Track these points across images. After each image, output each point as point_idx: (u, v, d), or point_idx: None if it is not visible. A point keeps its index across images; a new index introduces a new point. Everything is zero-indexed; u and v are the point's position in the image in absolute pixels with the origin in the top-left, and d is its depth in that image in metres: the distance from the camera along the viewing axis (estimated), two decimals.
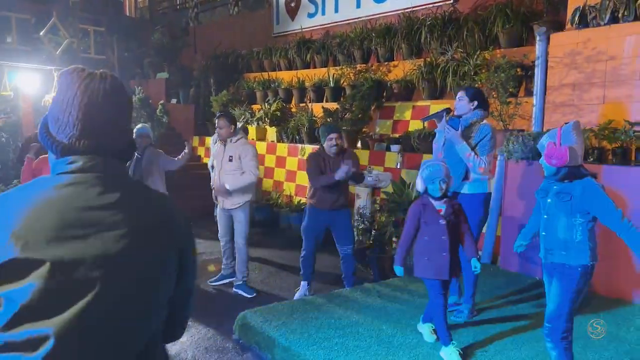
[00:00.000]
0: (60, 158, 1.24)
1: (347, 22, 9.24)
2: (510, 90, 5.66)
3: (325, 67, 9.02)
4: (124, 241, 1.20)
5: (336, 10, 9.60)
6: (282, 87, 9.36)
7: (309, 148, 7.88)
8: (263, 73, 10.14)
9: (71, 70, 1.28)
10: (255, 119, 8.98)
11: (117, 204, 1.22)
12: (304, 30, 9.98)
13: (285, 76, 9.60)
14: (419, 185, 3.43)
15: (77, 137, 1.24)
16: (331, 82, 8.52)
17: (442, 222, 3.31)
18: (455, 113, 4.08)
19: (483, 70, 6.14)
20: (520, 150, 5.04)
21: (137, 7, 15.29)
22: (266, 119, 8.85)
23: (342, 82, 8.41)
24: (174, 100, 11.09)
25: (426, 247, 3.35)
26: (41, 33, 9.56)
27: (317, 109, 8.33)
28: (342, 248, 4.93)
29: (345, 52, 8.75)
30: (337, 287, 4.94)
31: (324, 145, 4.91)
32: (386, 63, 8.13)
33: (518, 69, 5.90)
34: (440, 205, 3.35)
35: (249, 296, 5.08)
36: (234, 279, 5.33)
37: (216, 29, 12.23)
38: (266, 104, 9.09)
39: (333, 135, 4.79)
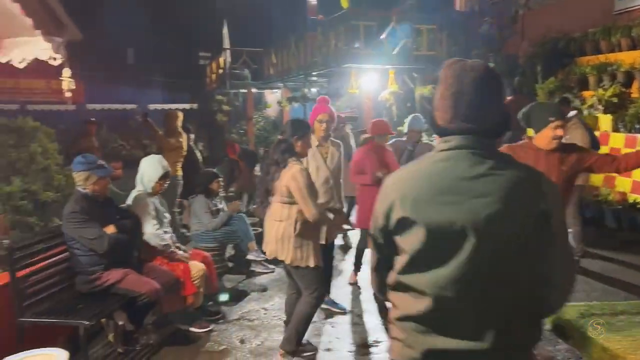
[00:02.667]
0: (441, 139, 1.50)
1: None
2: None
3: None
4: (493, 207, 1.36)
5: None
6: (622, 69, 8.29)
7: None
8: (599, 56, 9.16)
9: (446, 64, 1.50)
10: (586, 106, 8.25)
11: (486, 175, 1.39)
12: None
13: (627, 57, 8.44)
14: None
15: (450, 120, 1.46)
16: None
17: None
18: None
19: None
20: None
21: (467, 0, 15.64)
22: (599, 106, 8.03)
23: None
24: None
25: None
26: (382, 36, 10.87)
27: None
28: None
29: None
30: None
31: (537, 133, 3.33)
32: None
33: None
34: None
35: None
36: None
37: (546, 13, 11.59)
38: (601, 89, 8.23)
39: (559, 123, 3.22)
